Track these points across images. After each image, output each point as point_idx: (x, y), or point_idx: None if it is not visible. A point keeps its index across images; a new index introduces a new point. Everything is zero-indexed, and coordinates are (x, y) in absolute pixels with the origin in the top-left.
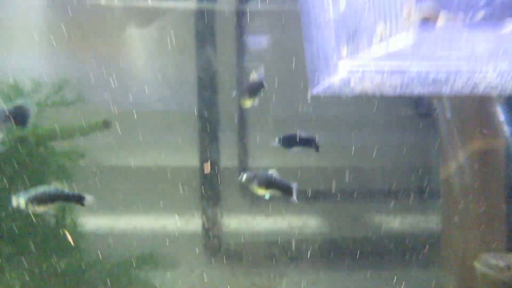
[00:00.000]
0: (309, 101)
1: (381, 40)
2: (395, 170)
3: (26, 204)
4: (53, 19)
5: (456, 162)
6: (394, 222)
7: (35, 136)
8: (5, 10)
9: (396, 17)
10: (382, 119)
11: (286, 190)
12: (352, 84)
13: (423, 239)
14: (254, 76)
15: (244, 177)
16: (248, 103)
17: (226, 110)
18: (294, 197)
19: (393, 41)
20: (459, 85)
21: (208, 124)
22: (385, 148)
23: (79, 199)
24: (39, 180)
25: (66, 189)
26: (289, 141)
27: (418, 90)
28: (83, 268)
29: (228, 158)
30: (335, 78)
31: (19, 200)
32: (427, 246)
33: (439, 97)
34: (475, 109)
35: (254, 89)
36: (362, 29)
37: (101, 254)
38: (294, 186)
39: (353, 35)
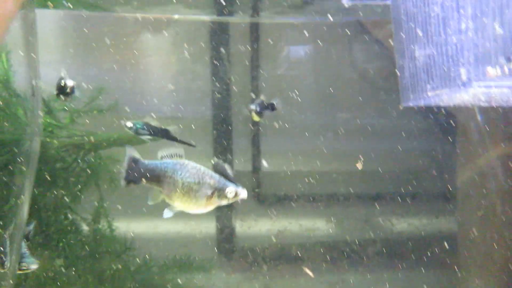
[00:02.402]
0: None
1: None
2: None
3: None
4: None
5: (476, 166)
6: (413, 224)
7: (92, 144)
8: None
9: None
10: (401, 126)
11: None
12: (463, 98)
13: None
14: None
15: None
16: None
17: (240, 116)
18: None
19: None
20: None
21: (222, 129)
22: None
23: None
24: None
25: None
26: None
27: None
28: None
29: (241, 162)
30: (458, 93)
31: None
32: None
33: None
34: (503, 113)
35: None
36: None
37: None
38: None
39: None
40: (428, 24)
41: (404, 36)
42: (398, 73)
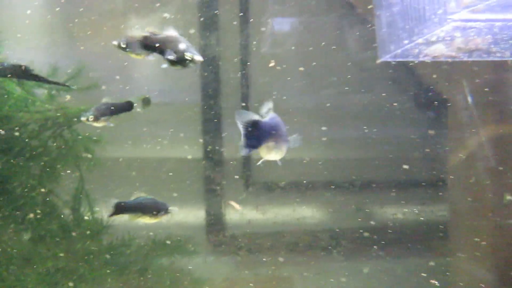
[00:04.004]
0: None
1: None
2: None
3: None
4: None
5: (468, 149)
6: (403, 212)
7: (65, 117)
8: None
9: None
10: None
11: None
12: (441, 47)
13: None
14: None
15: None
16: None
17: (230, 102)
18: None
19: None
20: None
21: (211, 116)
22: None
23: None
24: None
25: None
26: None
27: (499, 54)
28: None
29: (231, 150)
30: (435, 34)
31: None
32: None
33: (459, 83)
34: (495, 94)
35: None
36: None
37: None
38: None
39: None
40: None
41: None
42: (375, 26)
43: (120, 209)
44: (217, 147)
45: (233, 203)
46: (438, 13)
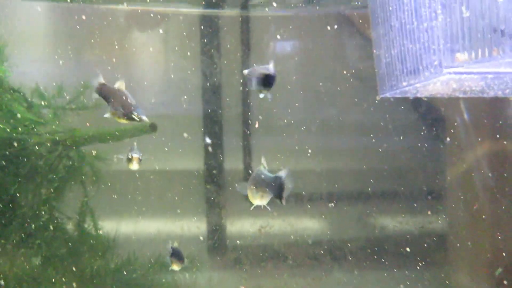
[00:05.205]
0: (377, 102)
1: None
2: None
3: None
4: (61, 26)
5: (466, 163)
6: (401, 223)
7: (73, 140)
8: (23, 19)
9: None
10: (386, 122)
11: None
12: (437, 87)
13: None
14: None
15: None
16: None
17: (231, 113)
18: None
19: None
20: None
21: (213, 127)
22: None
23: None
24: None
25: None
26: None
27: (492, 93)
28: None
29: (232, 161)
30: (431, 82)
31: None
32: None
33: (455, 99)
34: (491, 110)
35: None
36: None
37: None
38: None
39: (481, 41)
40: (401, 11)
41: (380, 25)
42: (375, 64)
43: None
44: (218, 158)
45: None
46: (435, 64)
